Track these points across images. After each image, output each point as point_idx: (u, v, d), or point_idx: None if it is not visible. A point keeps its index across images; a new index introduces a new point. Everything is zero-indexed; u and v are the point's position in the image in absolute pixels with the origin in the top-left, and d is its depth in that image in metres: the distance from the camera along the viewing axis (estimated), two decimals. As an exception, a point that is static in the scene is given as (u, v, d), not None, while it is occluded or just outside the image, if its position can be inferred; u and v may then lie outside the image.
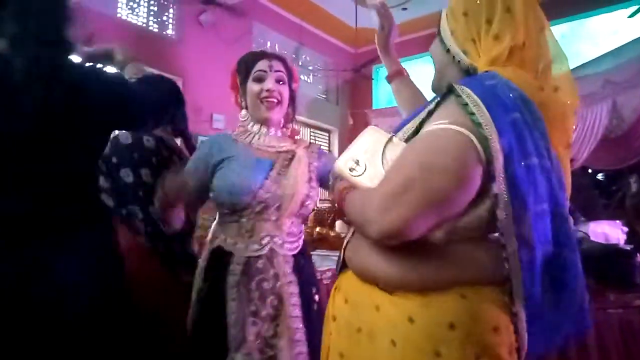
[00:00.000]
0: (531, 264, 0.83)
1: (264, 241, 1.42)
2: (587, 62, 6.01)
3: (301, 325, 1.42)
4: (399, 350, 0.87)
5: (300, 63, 7.91)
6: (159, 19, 5.88)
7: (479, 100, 0.83)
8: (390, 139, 0.97)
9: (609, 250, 2.48)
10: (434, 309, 0.88)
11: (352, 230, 1.09)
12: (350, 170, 0.95)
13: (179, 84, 5.83)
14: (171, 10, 6.01)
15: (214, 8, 6.00)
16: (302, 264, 1.49)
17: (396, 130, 1.01)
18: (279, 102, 1.51)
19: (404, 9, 7.17)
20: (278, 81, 1.52)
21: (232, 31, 6.37)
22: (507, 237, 0.83)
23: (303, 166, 1.53)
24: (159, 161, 1.65)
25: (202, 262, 1.46)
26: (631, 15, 5.63)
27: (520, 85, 0.85)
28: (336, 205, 0.99)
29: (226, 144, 1.51)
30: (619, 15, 6.18)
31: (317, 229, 3.71)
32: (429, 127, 0.89)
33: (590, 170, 5.87)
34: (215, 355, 1.35)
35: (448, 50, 0.96)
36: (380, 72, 8.74)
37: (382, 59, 1.52)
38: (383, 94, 8.74)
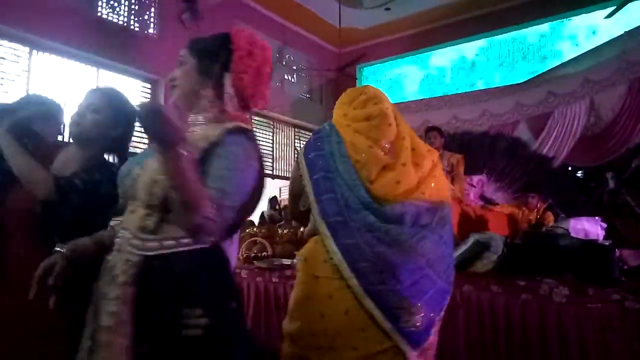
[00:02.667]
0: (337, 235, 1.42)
1: (117, 236, 1.19)
2: (566, 61, 6.12)
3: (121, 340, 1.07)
4: (301, 277, 1.51)
5: (284, 62, 7.90)
6: (140, 18, 5.81)
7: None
8: None
9: (588, 246, 2.52)
10: (308, 251, 1.52)
11: None
12: None
13: (161, 83, 5.80)
14: (153, 9, 5.94)
15: (197, 6, 5.95)
16: (156, 269, 1.12)
17: None
18: (175, 86, 1.35)
19: (387, 9, 7.22)
20: (179, 65, 1.36)
21: (215, 30, 6.31)
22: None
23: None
24: None
25: None
26: (608, 16, 5.75)
27: (335, 122, 1.59)
28: None
29: None
30: (598, 16, 6.30)
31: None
32: None
33: (569, 168, 5.97)
34: None
35: None
36: (364, 71, 8.77)
37: None
38: (367, 93, 8.77)
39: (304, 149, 1.54)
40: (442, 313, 1.42)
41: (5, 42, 4.55)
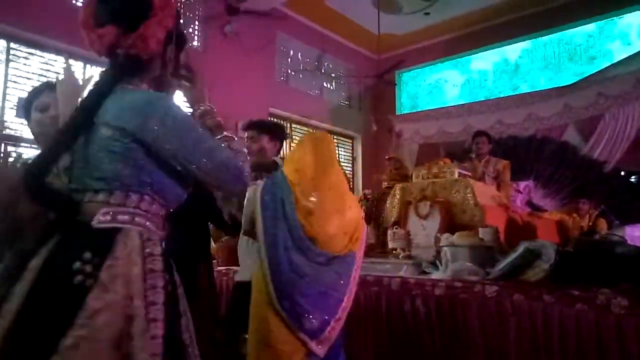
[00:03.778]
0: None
1: None
2: (617, 62, 5.87)
3: None
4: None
5: (322, 70, 7.96)
6: (185, 32, 6.02)
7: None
8: None
9: (648, 254, 2.39)
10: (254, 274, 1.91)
11: None
12: None
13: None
14: (197, 23, 6.14)
15: (238, 19, 6.10)
16: None
17: None
18: None
19: (427, 13, 7.16)
20: None
21: (256, 41, 6.46)
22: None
23: None
24: None
25: None
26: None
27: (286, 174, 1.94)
28: None
29: None
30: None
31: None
32: None
33: (622, 173, 5.70)
34: None
35: None
36: (403, 77, 8.71)
37: None
38: (406, 99, 8.70)
39: (262, 190, 1.94)
40: (339, 314, 1.87)
41: (60, 58, 4.85)
